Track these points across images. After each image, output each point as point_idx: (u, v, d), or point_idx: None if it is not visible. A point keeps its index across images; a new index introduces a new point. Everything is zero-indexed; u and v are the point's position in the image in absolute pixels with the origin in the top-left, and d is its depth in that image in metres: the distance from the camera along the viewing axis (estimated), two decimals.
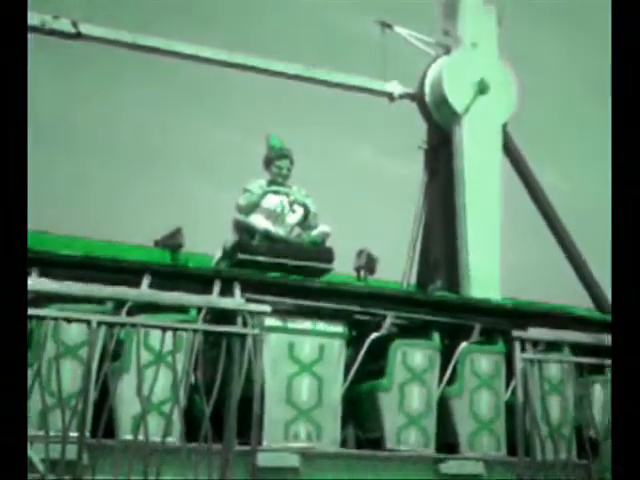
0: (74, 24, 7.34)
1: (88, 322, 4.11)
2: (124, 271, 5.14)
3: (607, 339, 5.36)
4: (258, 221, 6.27)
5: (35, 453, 3.89)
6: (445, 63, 8.52)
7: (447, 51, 8.61)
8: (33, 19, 7.04)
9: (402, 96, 8.57)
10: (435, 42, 8.75)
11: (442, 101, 8.37)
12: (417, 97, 8.56)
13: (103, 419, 4.18)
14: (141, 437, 4.17)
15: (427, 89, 8.51)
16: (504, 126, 8.55)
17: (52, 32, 7.25)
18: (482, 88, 8.28)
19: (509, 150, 8.59)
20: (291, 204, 6.48)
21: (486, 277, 7.98)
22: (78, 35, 7.34)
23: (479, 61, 8.54)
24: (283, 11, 12.92)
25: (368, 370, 5.53)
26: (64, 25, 7.33)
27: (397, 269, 8.74)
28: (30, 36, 7.01)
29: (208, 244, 6.86)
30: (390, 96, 8.52)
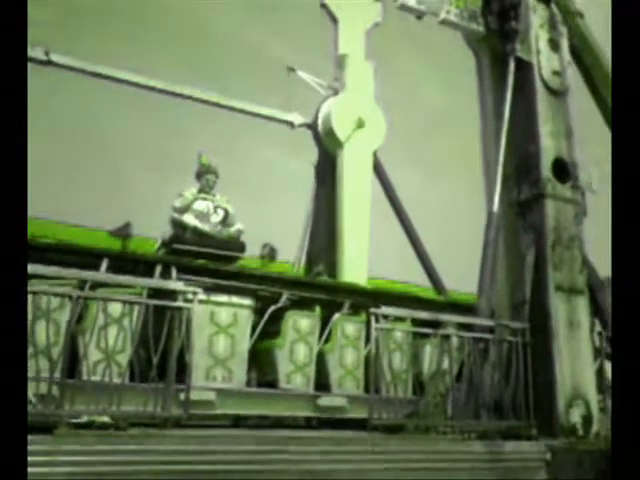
0: (46, 52, 7.02)
1: (70, 296, 4.28)
2: (88, 255, 5.15)
3: (439, 315, 5.80)
4: (189, 219, 6.51)
5: (29, 389, 3.92)
6: (334, 102, 8.73)
7: (336, 93, 8.83)
8: None
9: (301, 125, 8.80)
10: (327, 85, 8.96)
11: (330, 131, 8.60)
12: (312, 127, 8.79)
13: (81, 365, 4.34)
14: (106, 379, 4.33)
15: (319, 121, 8.73)
16: (375, 152, 8.86)
17: (29, 59, 6.78)
18: (360, 124, 8.58)
19: (376, 169, 8.92)
20: (215, 208, 6.71)
21: (356, 264, 8.22)
22: (49, 62, 7.03)
23: (359, 103, 8.79)
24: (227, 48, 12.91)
25: (268, 332, 5.73)
26: (38, 53, 6.99)
27: (292, 253, 9.01)
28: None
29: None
30: (291, 124, 8.77)
